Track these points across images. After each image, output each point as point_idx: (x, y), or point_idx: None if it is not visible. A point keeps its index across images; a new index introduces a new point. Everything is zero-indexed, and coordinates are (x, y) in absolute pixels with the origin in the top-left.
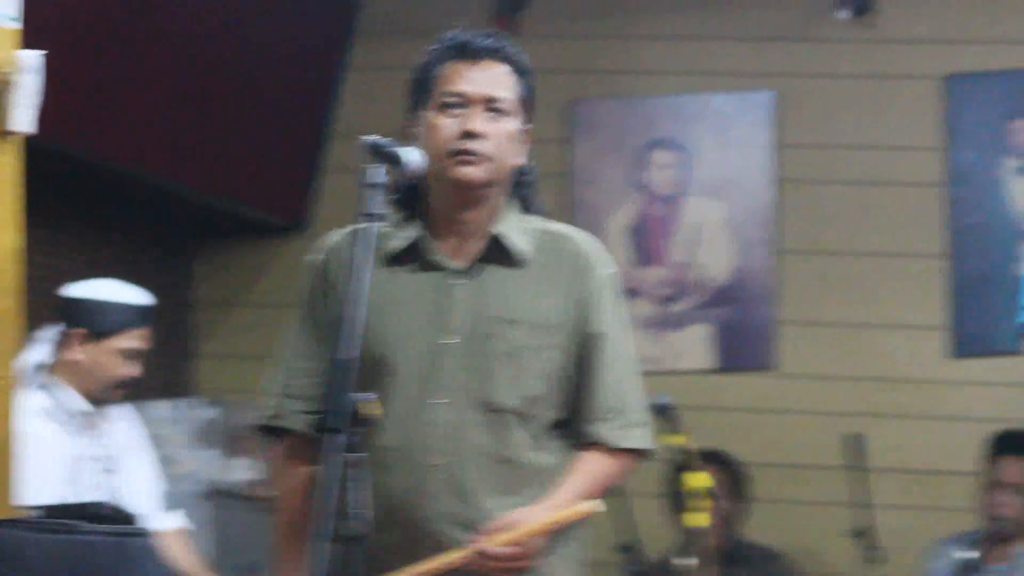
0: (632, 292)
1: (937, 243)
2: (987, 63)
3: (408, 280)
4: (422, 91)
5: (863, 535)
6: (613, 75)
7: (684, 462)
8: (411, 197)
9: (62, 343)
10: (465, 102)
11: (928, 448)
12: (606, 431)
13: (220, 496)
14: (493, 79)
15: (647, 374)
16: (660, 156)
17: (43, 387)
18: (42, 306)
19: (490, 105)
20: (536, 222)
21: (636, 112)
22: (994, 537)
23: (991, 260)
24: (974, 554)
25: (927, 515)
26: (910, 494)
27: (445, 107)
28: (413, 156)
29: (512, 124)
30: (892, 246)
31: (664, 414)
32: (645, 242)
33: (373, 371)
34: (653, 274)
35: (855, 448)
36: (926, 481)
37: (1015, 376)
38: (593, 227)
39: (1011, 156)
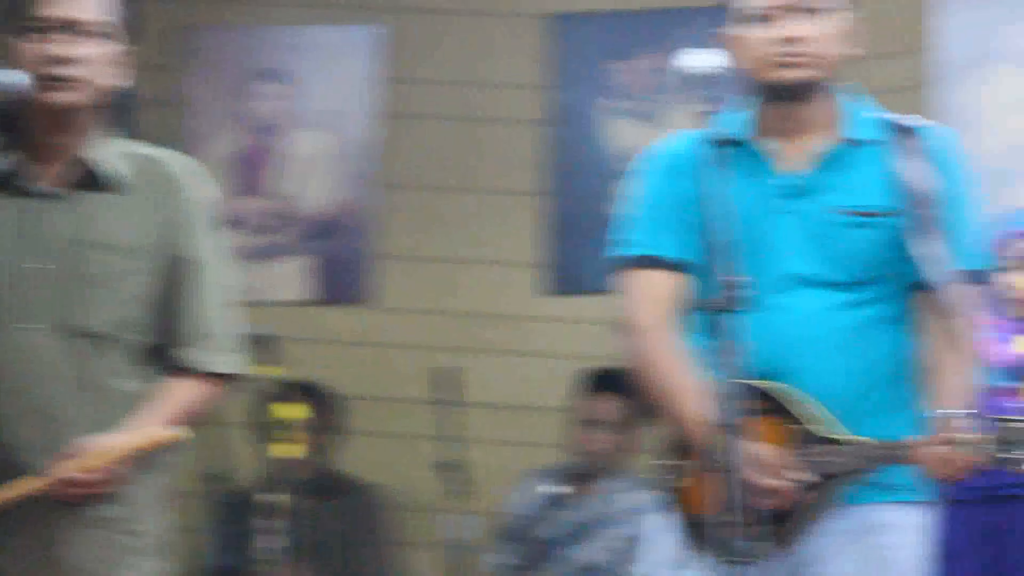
0: (233, 222)
1: (536, 181)
2: (589, 3)
3: (1, 205)
4: (12, 14)
5: (454, 468)
6: (221, 4)
7: (275, 392)
8: (9, 122)
9: None
10: (52, 26)
11: (520, 384)
12: (194, 356)
13: None
14: (76, 2)
15: (247, 304)
16: (265, 87)
17: None
18: None
19: (74, 28)
20: (135, 147)
21: (243, 42)
22: (585, 472)
23: (587, 199)
24: (564, 488)
25: (519, 450)
26: (502, 429)
27: (31, 31)
28: (12, 78)
29: (105, 47)
30: (492, 183)
31: (262, 344)
32: (248, 173)
33: None
34: (255, 205)
35: (448, 382)
36: (518, 416)
37: (606, 314)
38: (197, 156)
39: (610, 97)
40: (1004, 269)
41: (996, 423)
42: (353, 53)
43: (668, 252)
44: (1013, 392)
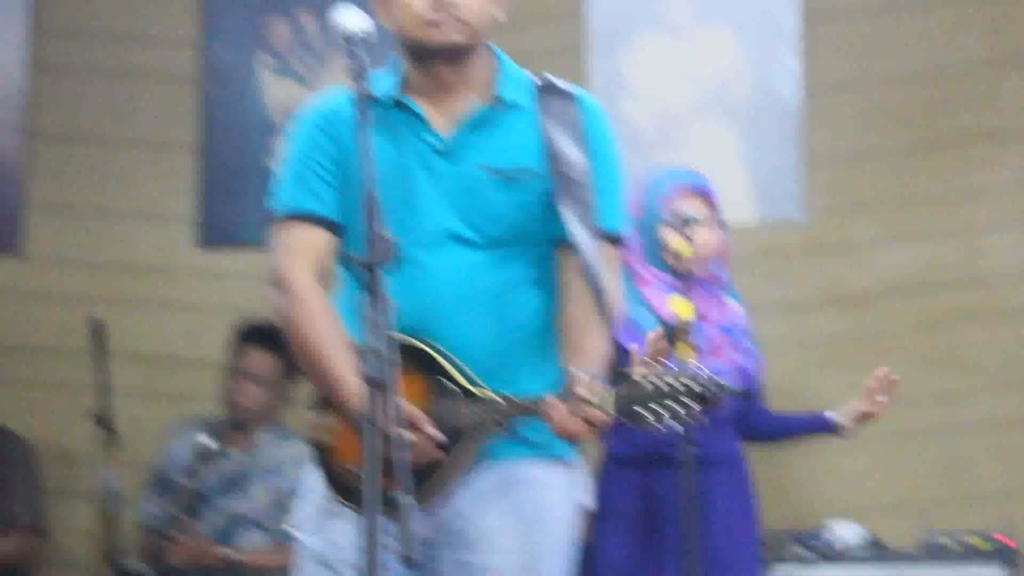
0: None
1: (191, 136)
2: None
3: None
4: None
5: (103, 419)
6: None
7: None
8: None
9: None
10: None
11: (175, 336)
12: None
13: None
14: None
15: None
16: None
17: None
18: None
19: None
20: None
21: None
22: (235, 425)
23: (242, 155)
24: (214, 440)
25: (170, 402)
26: (154, 380)
27: None
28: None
29: None
30: (147, 137)
31: None
32: None
33: None
34: None
35: (99, 334)
36: (171, 368)
37: (260, 268)
38: None
39: (266, 53)
40: (660, 230)
41: (631, 381)
42: (2, 3)
43: (316, 208)
44: (668, 350)
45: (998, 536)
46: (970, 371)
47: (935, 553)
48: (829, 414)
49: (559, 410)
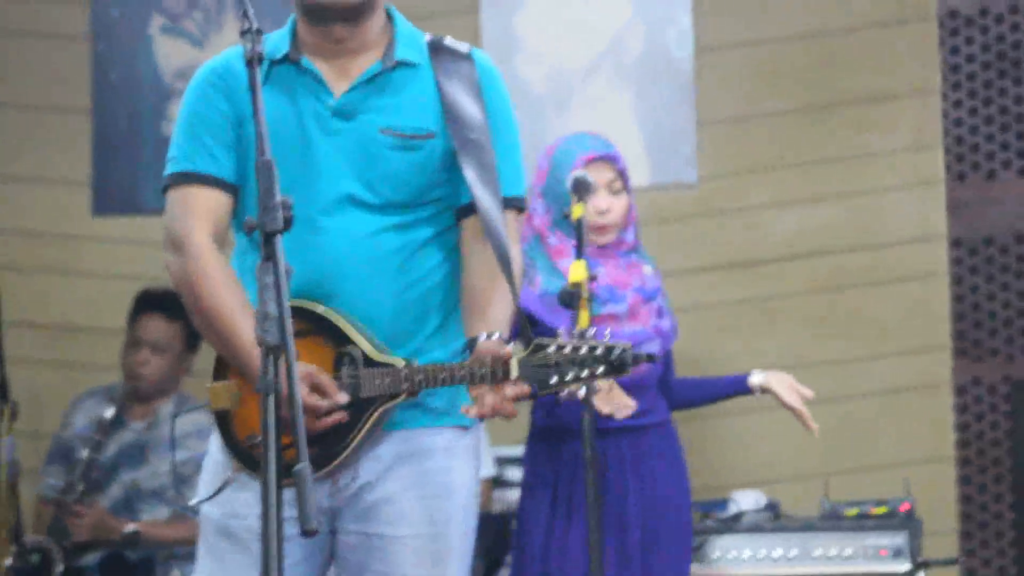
0: None
1: (84, 98)
2: None
3: None
4: None
5: (2, 388)
6: None
7: None
8: None
9: None
10: None
11: (73, 304)
12: None
13: None
14: None
15: None
16: None
17: None
18: None
19: None
20: None
21: None
22: (135, 396)
23: (137, 118)
24: (113, 409)
25: (70, 372)
26: (51, 350)
27: None
28: None
29: None
30: (37, 99)
31: None
32: None
33: None
34: None
35: None
36: (68, 337)
37: (157, 235)
38: None
39: (158, 14)
40: (568, 197)
41: (539, 346)
42: None
43: (212, 169)
44: (570, 318)
45: (899, 505)
46: (867, 336)
47: (837, 521)
48: (751, 380)
49: (471, 376)
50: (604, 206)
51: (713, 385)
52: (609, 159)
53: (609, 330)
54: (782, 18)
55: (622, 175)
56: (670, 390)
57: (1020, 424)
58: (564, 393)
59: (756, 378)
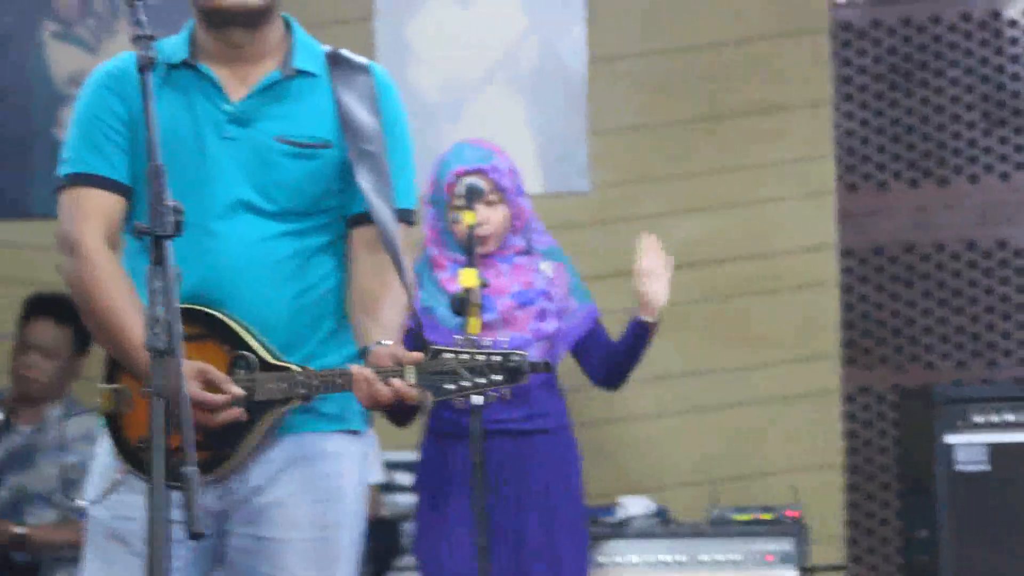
0: None
1: None
2: None
3: None
4: None
5: None
6: None
7: None
8: None
9: None
10: None
11: None
12: None
13: None
14: None
15: None
16: None
17: None
18: None
19: None
20: None
21: None
22: (23, 399)
23: (29, 123)
24: (1, 414)
25: None
26: None
27: None
28: None
29: None
30: None
31: None
32: None
33: None
34: None
35: None
36: None
37: (48, 239)
38: None
39: (50, 20)
40: (450, 206)
41: (433, 353)
42: None
43: (105, 171)
44: (461, 325)
45: (787, 511)
46: (757, 344)
47: (725, 528)
48: (636, 318)
49: (366, 380)
50: (479, 218)
51: (621, 343)
52: (482, 172)
53: (496, 338)
54: (675, 29)
55: (497, 186)
56: (606, 364)
57: (908, 432)
58: (459, 401)
59: (641, 315)
